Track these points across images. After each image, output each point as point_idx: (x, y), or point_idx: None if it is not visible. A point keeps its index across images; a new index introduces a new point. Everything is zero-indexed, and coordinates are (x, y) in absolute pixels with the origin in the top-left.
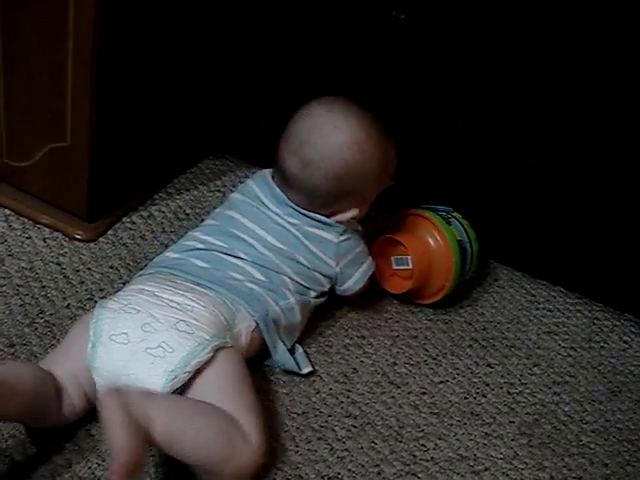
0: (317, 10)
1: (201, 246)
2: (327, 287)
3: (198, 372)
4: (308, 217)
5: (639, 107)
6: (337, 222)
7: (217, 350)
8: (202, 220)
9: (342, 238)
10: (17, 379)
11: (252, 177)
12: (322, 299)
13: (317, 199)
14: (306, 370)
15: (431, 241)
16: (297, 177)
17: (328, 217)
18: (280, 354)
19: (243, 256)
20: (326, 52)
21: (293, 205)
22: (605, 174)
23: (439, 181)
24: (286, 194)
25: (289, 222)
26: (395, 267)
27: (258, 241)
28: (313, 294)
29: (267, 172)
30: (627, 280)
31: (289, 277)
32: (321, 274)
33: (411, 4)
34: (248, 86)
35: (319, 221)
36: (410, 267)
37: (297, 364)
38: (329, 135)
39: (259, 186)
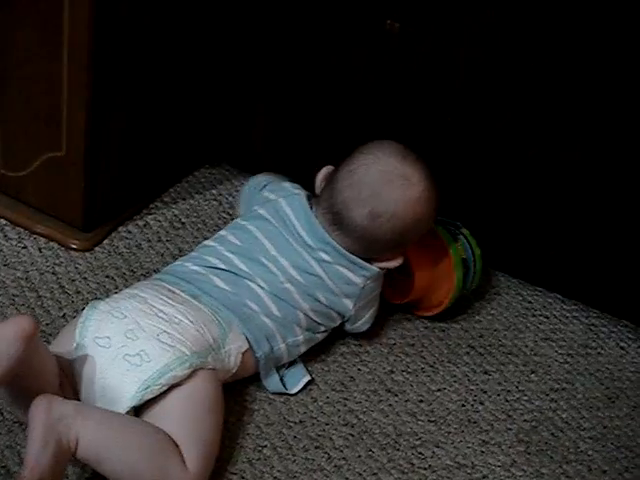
0: (312, 19)
1: (223, 266)
2: (338, 323)
3: (171, 387)
4: (345, 257)
5: (636, 121)
6: (379, 267)
7: (196, 370)
8: (198, 229)
9: (368, 282)
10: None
11: (282, 195)
12: (327, 333)
13: (371, 247)
14: (294, 390)
15: (436, 256)
16: (361, 227)
17: (369, 261)
18: (272, 384)
19: (263, 285)
20: (321, 60)
21: (334, 244)
22: (602, 180)
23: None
24: (330, 233)
25: (319, 259)
26: (396, 274)
27: (281, 272)
28: (322, 329)
29: (303, 196)
30: (624, 287)
31: (304, 313)
32: (336, 312)
33: (406, 12)
34: (244, 95)
35: (354, 263)
36: (411, 279)
37: (284, 385)
38: (403, 190)
39: (295, 212)
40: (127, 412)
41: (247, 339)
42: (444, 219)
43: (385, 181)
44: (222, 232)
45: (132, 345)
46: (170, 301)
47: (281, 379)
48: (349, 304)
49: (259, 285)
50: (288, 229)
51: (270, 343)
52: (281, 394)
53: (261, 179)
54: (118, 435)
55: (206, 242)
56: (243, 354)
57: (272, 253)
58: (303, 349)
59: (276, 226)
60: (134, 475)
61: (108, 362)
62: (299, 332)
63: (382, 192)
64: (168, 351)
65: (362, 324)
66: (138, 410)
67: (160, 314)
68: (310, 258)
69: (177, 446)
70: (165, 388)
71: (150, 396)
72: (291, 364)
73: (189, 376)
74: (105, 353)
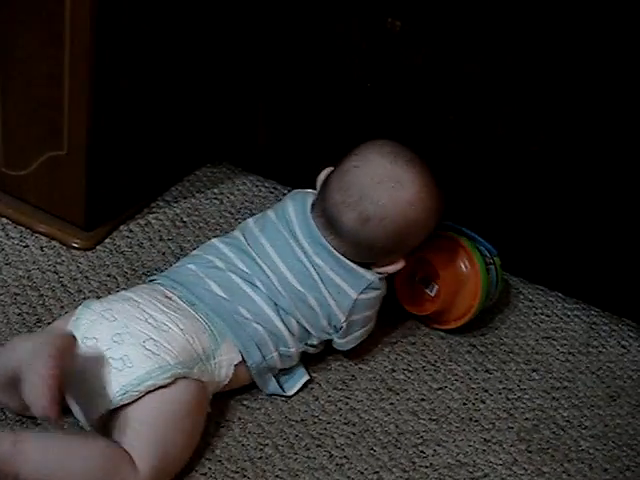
0: (312, 16)
1: (221, 265)
2: (330, 336)
3: (150, 391)
4: (340, 264)
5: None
6: (378, 272)
7: (179, 378)
8: (200, 228)
9: (362, 296)
10: None
11: (292, 196)
12: (320, 348)
13: (368, 253)
14: (290, 392)
15: (465, 280)
16: (353, 232)
17: (368, 266)
18: (270, 388)
19: (260, 286)
20: (322, 59)
21: (329, 248)
22: (602, 179)
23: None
24: (326, 237)
25: (313, 262)
26: (419, 284)
27: (276, 275)
28: (315, 342)
29: (309, 197)
30: (625, 285)
31: (297, 320)
32: (328, 322)
33: (407, 10)
34: (246, 93)
35: (349, 270)
36: (432, 295)
37: (282, 388)
38: (392, 192)
39: (295, 212)
40: (103, 413)
41: (244, 358)
42: (483, 240)
43: (374, 183)
44: (235, 232)
45: (117, 349)
46: (163, 307)
47: (278, 382)
48: (341, 316)
49: (254, 287)
50: (289, 230)
51: (262, 352)
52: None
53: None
54: (61, 457)
55: (213, 240)
56: (236, 366)
57: (271, 256)
58: (295, 360)
59: (278, 228)
60: None
61: (92, 363)
62: (291, 342)
63: (371, 195)
64: (151, 359)
65: (350, 340)
66: None
67: (150, 320)
68: (307, 262)
69: (129, 459)
70: (143, 394)
71: (127, 401)
72: (290, 367)
73: (172, 383)
74: (90, 354)
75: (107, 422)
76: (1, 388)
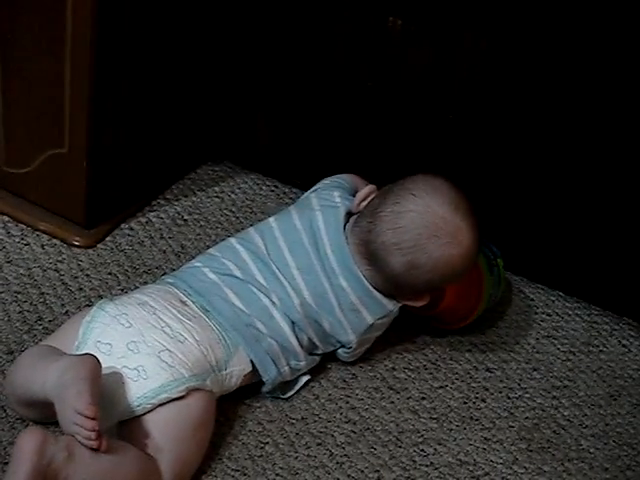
0: (313, 15)
1: (239, 274)
2: (336, 348)
3: (163, 403)
4: (366, 292)
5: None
6: (404, 304)
7: (192, 390)
8: (201, 226)
9: (378, 321)
10: None
11: (322, 205)
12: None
13: (400, 290)
14: (287, 395)
15: (470, 286)
16: (396, 273)
17: (392, 296)
18: (272, 393)
19: (276, 301)
20: (323, 58)
21: (358, 275)
22: (603, 178)
23: None
24: (360, 265)
25: (338, 285)
26: None
27: (296, 293)
28: (320, 352)
29: (342, 210)
30: (626, 284)
31: (309, 337)
32: (337, 340)
33: (408, 9)
34: (247, 92)
35: (374, 299)
36: (436, 296)
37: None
38: (447, 247)
39: (327, 229)
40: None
41: (252, 363)
42: (485, 240)
43: (431, 235)
44: (251, 230)
45: (132, 358)
46: (179, 315)
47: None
48: (353, 337)
49: (272, 301)
50: (316, 246)
51: (277, 366)
52: None
53: (324, 181)
54: (112, 473)
55: (231, 239)
56: (244, 376)
57: (293, 273)
58: (303, 371)
59: (304, 242)
60: None
61: (106, 370)
62: (302, 356)
63: (426, 246)
64: (167, 371)
65: (350, 356)
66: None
67: (166, 329)
68: (328, 285)
69: (158, 467)
70: (156, 406)
71: (140, 413)
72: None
73: (185, 395)
74: (104, 360)
75: (117, 430)
76: (20, 403)
